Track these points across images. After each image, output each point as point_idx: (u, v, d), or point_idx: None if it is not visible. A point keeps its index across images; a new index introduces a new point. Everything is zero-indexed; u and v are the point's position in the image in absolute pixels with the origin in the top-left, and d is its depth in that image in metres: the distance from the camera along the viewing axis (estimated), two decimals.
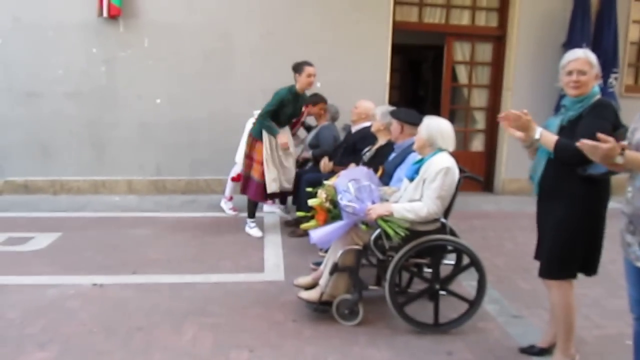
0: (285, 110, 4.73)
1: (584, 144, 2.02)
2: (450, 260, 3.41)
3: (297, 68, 4.68)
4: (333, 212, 3.18)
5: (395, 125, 3.78)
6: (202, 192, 6.48)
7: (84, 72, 6.14)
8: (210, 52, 6.28)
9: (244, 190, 4.87)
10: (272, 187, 4.72)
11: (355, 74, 6.47)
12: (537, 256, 2.79)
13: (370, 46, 6.49)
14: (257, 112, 4.90)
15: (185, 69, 6.26)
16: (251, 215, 4.96)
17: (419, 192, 3.01)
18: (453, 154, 3.09)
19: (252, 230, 4.92)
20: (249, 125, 5.15)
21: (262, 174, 4.71)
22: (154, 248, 4.49)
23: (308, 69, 4.63)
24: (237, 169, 5.48)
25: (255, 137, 4.78)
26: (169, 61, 6.23)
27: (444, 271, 3.22)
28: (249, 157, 4.83)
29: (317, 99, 5.33)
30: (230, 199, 5.65)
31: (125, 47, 6.16)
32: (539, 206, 2.75)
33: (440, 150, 3.04)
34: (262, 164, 4.71)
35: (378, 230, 3.01)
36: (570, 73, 2.55)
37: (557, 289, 2.63)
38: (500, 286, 3.88)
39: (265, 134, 4.70)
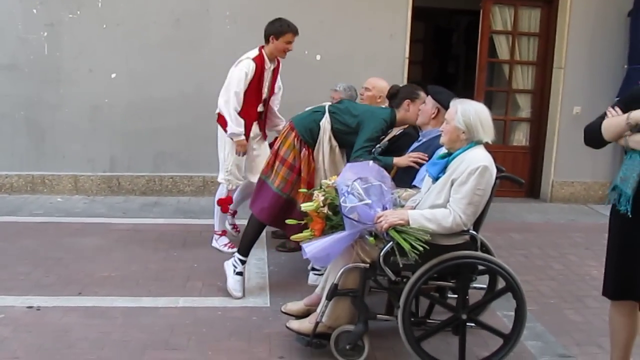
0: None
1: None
2: (481, 283, 3.41)
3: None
4: (332, 220, 3.19)
5: (430, 106, 3.79)
6: (168, 192, 6.51)
7: (21, 39, 6.16)
8: (182, 15, 6.30)
9: (271, 218, 3.99)
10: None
11: (365, 44, 6.48)
12: (624, 293, 2.74)
13: (384, 9, 6.51)
14: (327, 104, 4.20)
15: (149, 37, 6.29)
16: (245, 251, 4.05)
17: (444, 195, 3.01)
18: (489, 149, 3.10)
19: (233, 279, 3.99)
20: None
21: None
22: (105, 263, 4.50)
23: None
24: (223, 190, 4.81)
25: (305, 141, 4.01)
26: (128, 26, 6.25)
27: (473, 297, 3.22)
28: (294, 170, 3.99)
29: (283, 28, 4.57)
30: (223, 233, 4.94)
31: (73, 7, 6.17)
32: (631, 225, 2.64)
33: (475, 143, 3.06)
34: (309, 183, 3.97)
35: (390, 244, 3.01)
36: None
37: None
38: (545, 318, 3.88)
39: (325, 139, 4.02)
